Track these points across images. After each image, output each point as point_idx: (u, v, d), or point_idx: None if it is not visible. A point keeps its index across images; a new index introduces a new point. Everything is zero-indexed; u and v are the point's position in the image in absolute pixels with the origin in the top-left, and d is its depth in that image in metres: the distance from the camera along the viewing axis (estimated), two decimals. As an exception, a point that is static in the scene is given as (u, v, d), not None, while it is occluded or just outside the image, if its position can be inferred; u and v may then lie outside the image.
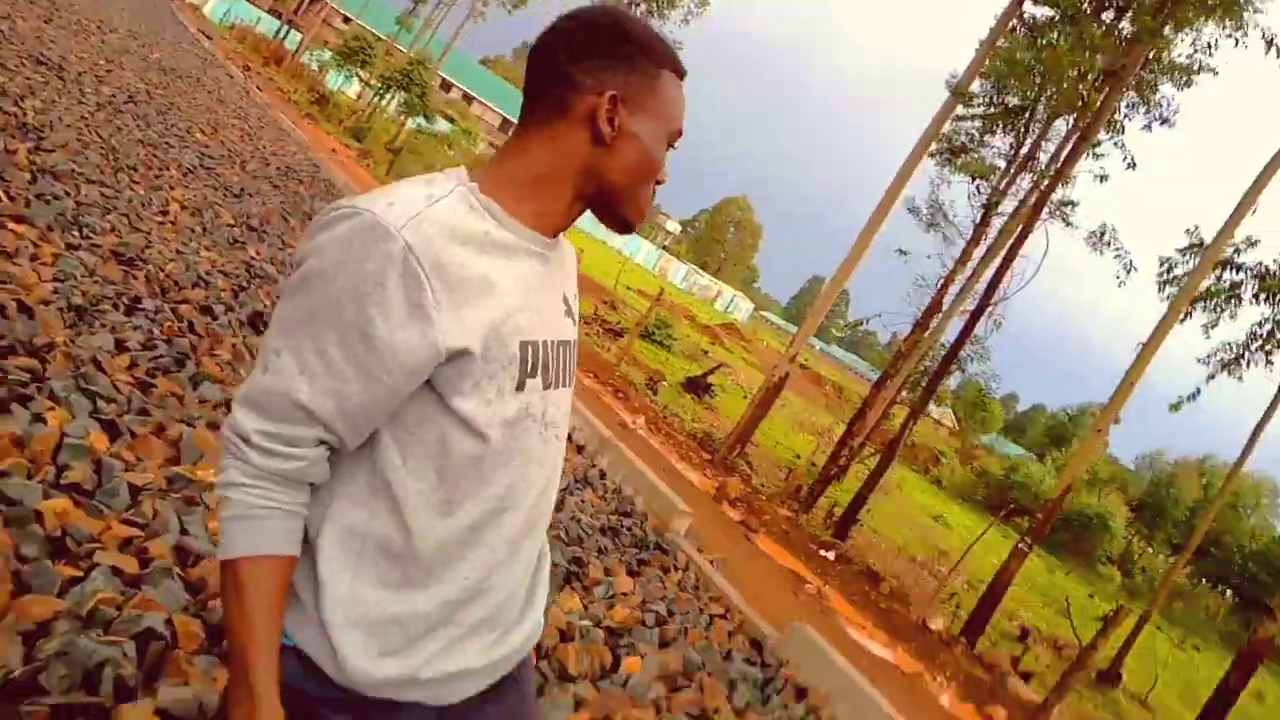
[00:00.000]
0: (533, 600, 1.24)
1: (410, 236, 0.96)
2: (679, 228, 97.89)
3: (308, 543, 1.04)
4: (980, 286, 12.09)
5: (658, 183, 1.16)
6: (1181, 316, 10.24)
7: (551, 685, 3.04)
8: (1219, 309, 11.65)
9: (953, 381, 21.44)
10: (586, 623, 3.70)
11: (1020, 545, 9.59)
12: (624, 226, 1.17)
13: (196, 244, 5.80)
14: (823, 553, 9.31)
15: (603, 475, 6.15)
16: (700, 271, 75.49)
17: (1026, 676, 8.97)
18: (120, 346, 3.66)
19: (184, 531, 2.64)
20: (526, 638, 1.22)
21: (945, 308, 12.76)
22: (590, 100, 1.08)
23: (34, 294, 3.63)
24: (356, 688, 1.03)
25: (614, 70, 1.09)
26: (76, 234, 4.68)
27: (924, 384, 13.05)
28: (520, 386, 1.06)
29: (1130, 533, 28.45)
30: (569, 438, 6.68)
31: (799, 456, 14.67)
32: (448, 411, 1.02)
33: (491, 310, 1.02)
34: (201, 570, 2.51)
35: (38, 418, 2.76)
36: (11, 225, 4.20)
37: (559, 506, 4.92)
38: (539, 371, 1.09)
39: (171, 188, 6.85)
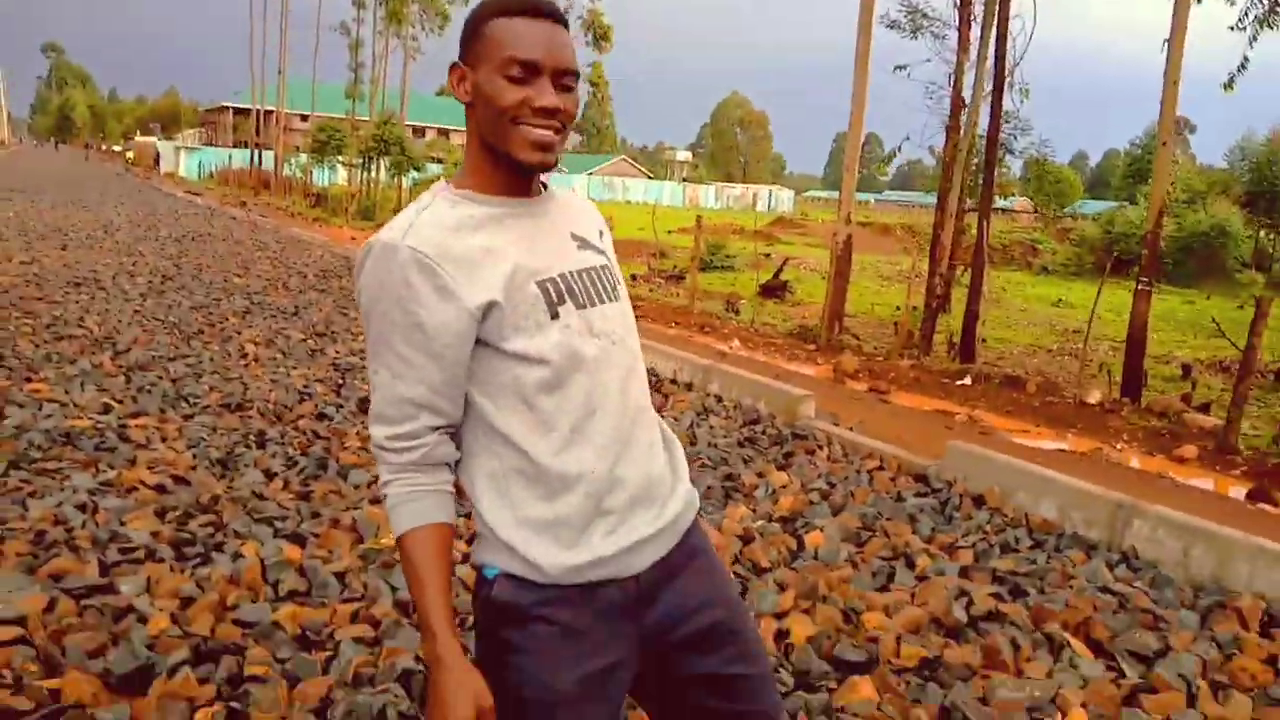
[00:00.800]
0: (678, 475, 1.46)
1: (411, 241, 1.22)
2: (689, 154, 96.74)
3: (475, 499, 1.31)
4: (990, 64, 11.73)
5: (545, 112, 1.24)
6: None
7: (752, 581, 3.28)
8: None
9: (1016, 168, 20.80)
10: (760, 522, 3.93)
11: (1139, 286, 9.37)
12: (519, 167, 1.29)
13: (284, 368, 6.22)
14: (958, 382, 9.30)
15: (719, 399, 6.35)
16: (728, 184, 74.57)
17: (1204, 408, 8.78)
18: (269, 475, 4.04)
19: (395, 589, 2.97)
20: (684, 505, 1.44)
21: (968, 100, 12.46)
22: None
23: (180, 465, 4.04)
24: (559, 580, 1.28)
25: (463, 48, 1.30)
26: (186, 405, 5.12)
27: (980, 182, 12.77)
28: (555, 315, 1.29)
29: (1253, 228, 26.99)
30: (674, 380, 6.91)
31: (899, 307, 14.57)
32: (505, 355, 1.27)
33: (499, 268, 1.25)
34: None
35: (238, 555, 3.14)
36: (133, 423, 4.64)
37: (692, 441, 5.16)
38: (567, 298, 1.31)
39: (239, 333, 7.32)
